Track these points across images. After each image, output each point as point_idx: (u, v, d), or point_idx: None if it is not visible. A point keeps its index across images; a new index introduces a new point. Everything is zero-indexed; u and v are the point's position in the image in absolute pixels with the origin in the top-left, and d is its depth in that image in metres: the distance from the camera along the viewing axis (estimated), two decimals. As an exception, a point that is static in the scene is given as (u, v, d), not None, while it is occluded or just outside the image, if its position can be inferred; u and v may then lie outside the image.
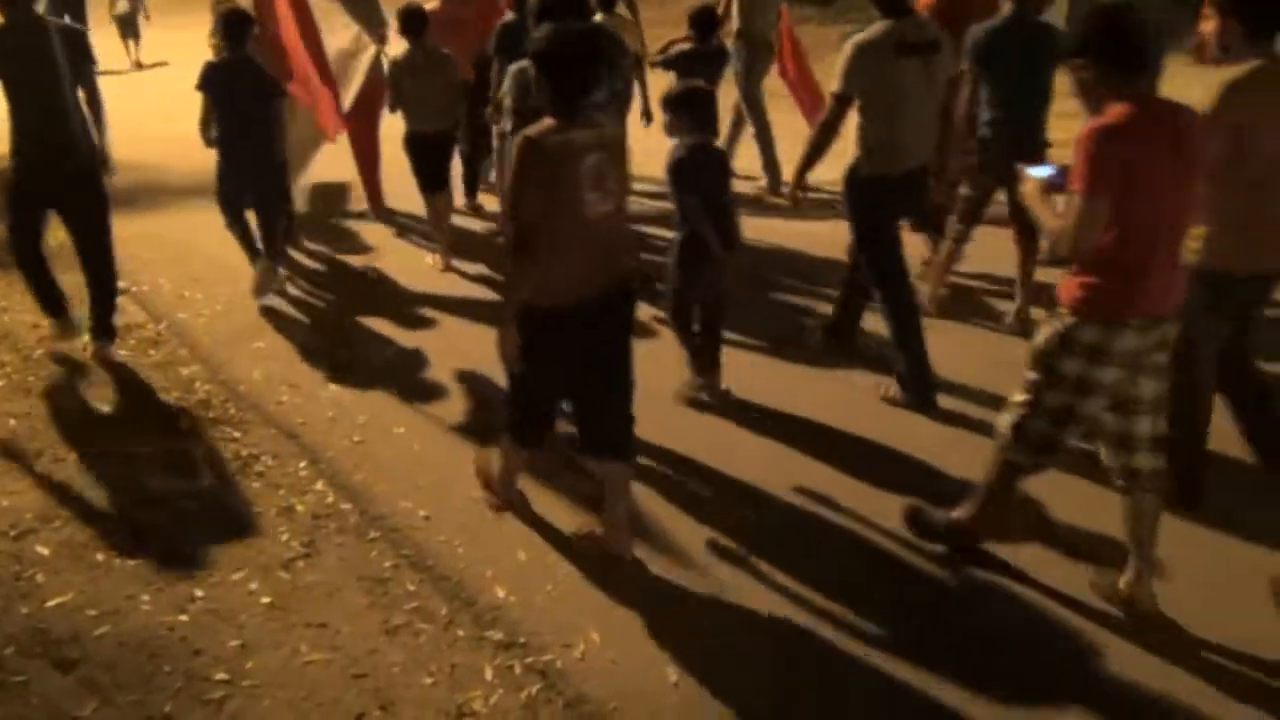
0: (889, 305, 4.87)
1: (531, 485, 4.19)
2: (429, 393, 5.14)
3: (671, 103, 4.62)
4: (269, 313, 6.09)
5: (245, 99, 5.86)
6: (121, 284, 6.47)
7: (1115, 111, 3.07)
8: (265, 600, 3.59)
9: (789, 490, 4.20)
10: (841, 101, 4.63)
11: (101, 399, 5.04)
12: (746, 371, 5.18)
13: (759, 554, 3.80)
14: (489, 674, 3.24)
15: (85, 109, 5.19)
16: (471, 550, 3.87)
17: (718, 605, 3.56)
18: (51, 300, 5.50)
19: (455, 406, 5.00)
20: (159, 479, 4.33)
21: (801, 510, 4.08)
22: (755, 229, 6.58)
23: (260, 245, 6.19)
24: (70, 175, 5.20)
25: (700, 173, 4.58)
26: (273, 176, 6.23)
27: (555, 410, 3.90)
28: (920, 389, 4.86)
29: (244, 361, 5.48)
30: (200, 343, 5.72)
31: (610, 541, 3.81)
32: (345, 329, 5.89)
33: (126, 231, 7.55)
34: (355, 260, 7.00)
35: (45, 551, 3.83)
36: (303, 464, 4.48)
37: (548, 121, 3.33)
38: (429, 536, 3.96)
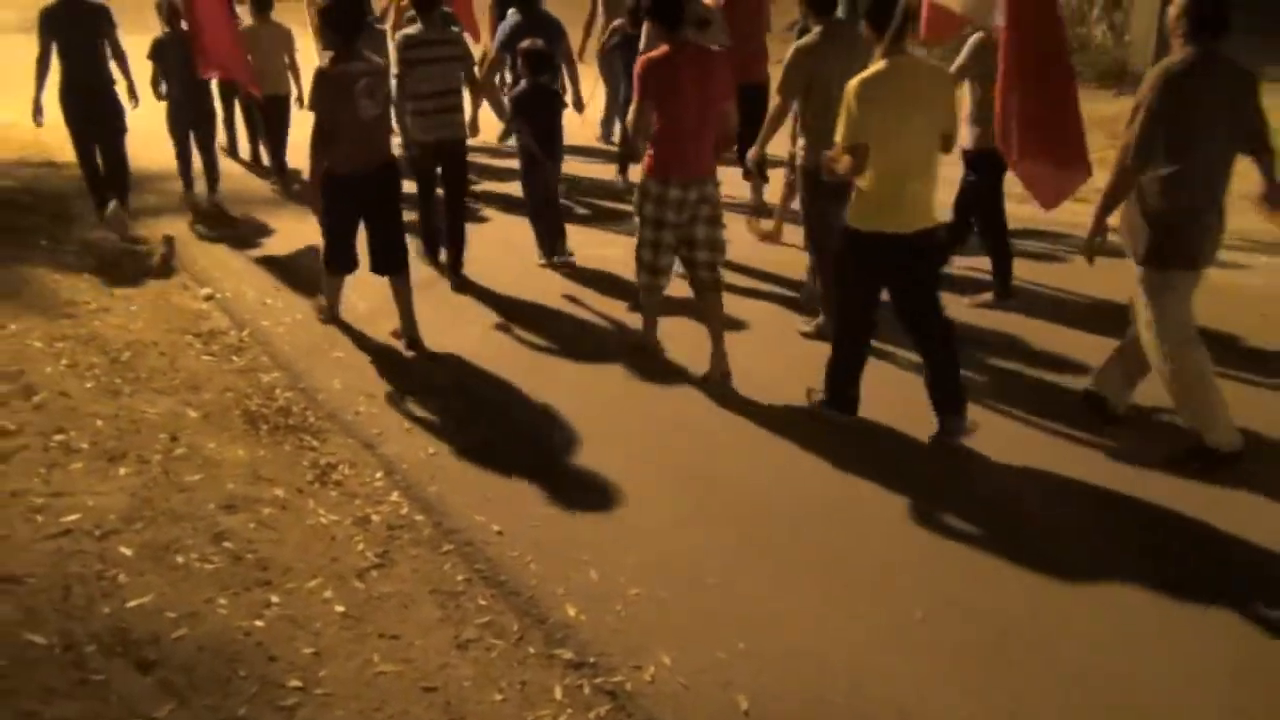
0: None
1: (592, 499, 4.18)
2: (502, 406, 5.16)
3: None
4: (348, 323, 6.17)
5: (183, 66, 8.00)
6: (206, 290, 6.65)
7: (660, 50, 5.09)
8: (340, 609, 3.62)
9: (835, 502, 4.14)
10: None
11: (186, 403, 5.13)
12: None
13: (827, 582, 3.75)
14: (558, 693, 3.23)
15: (114, 64, 7.63)
16: (543, 567, 3.86)
17: (790, 635, 3.51)
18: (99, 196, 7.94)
19: (528, 422, 5.01)
20: (239, 484, 4.40)
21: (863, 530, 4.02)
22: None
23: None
24: (100, 110, 7.57)
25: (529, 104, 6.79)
26: (208, 122, 8.55)
27: (353, 247, 5.86)
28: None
29: (323, 370, 5.56)
30: (281, 350, 5.81)
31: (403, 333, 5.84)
32: (422, 341, 5.95)
33: (213, 238, 7.76)
34: (430, 270, 7.06)
35: (128, 552, 3.90)
36: (379, 474, 4.53)
37: (332, 58, 5.50)
38: (501, 551, 3.96)
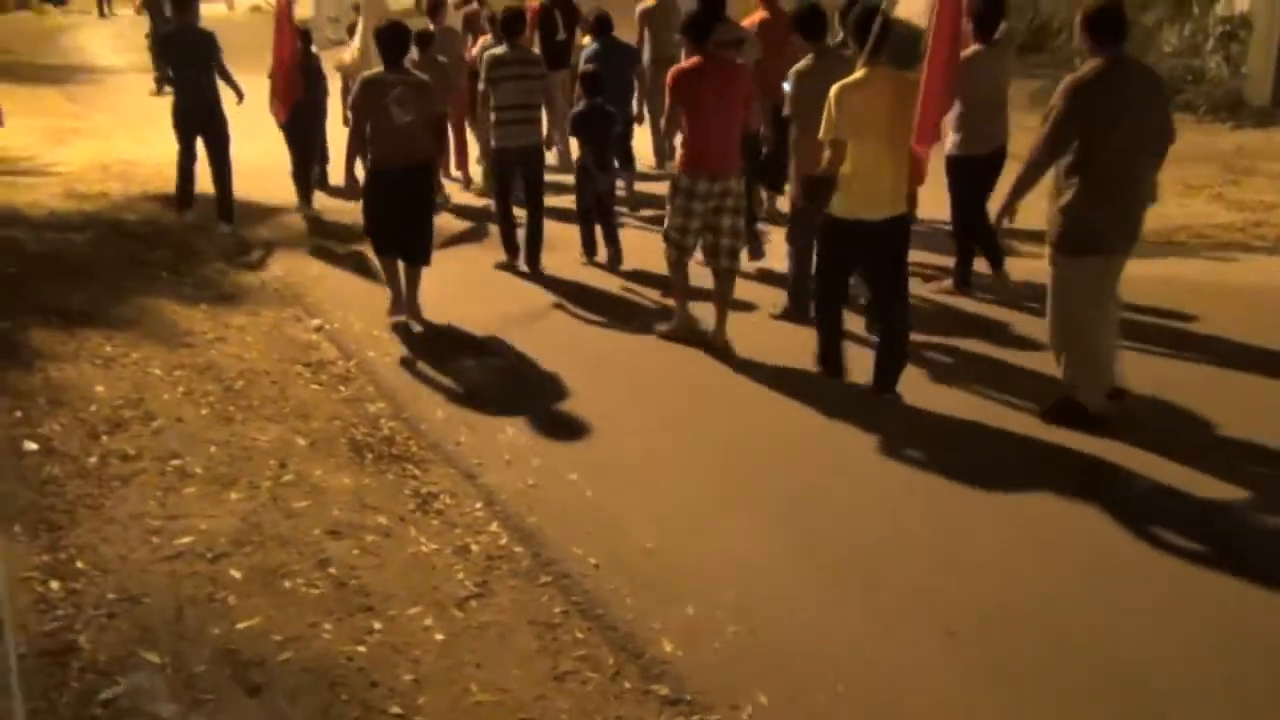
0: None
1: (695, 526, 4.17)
2: (601, 440, 5.19)
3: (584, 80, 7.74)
4: (451, 355, 6.29)
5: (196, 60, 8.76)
6: (317, 321, 6.84)
7: (691, 61, 5.94)
8: (439, 637, 3.67)
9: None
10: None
11: (295, 431, 5.28)
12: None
13: (922, 624, 3.67)
14: (655, 729, 3.21)
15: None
16: (640, 601, 3.86)
17: (890, 679, 3.44)
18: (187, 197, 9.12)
19: (627, 455, 5.03)
20: (344, 510, 4.50)
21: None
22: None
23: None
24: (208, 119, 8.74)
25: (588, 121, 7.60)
26: (218, 119, 8.88)
27: (394, 233, 6.60)
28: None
29: (427, 401, 5.66)
30: (387, 381, 5.94)
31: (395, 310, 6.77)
32: (524, 372, 6.03)
33: (322, 270, 7.99)
34: (539, 303, 7.15)
35: (238, 575, 4.02)
36: (479, 504, 4.59)
37: (379, 70, 6.51)
38: (599, 584, 3.97)
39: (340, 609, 3.82)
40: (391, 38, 6.52)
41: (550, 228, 7.95)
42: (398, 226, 6.62)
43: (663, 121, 6.21)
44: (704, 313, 6.39)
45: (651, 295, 7.21)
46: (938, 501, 4.53)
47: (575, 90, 8.58)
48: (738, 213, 6.06)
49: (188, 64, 8.79)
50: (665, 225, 6.20)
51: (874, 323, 5.86)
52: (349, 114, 6.96)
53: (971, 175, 6.59)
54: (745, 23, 8.07)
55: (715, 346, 6.16)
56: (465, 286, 7.55)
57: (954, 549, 4.16)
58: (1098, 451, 4.87)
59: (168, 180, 9.38)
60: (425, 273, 6.80)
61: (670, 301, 6.65)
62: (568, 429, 5.30)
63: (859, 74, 5.15)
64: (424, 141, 6.59)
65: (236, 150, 9.06)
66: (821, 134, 5.17)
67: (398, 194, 6.55)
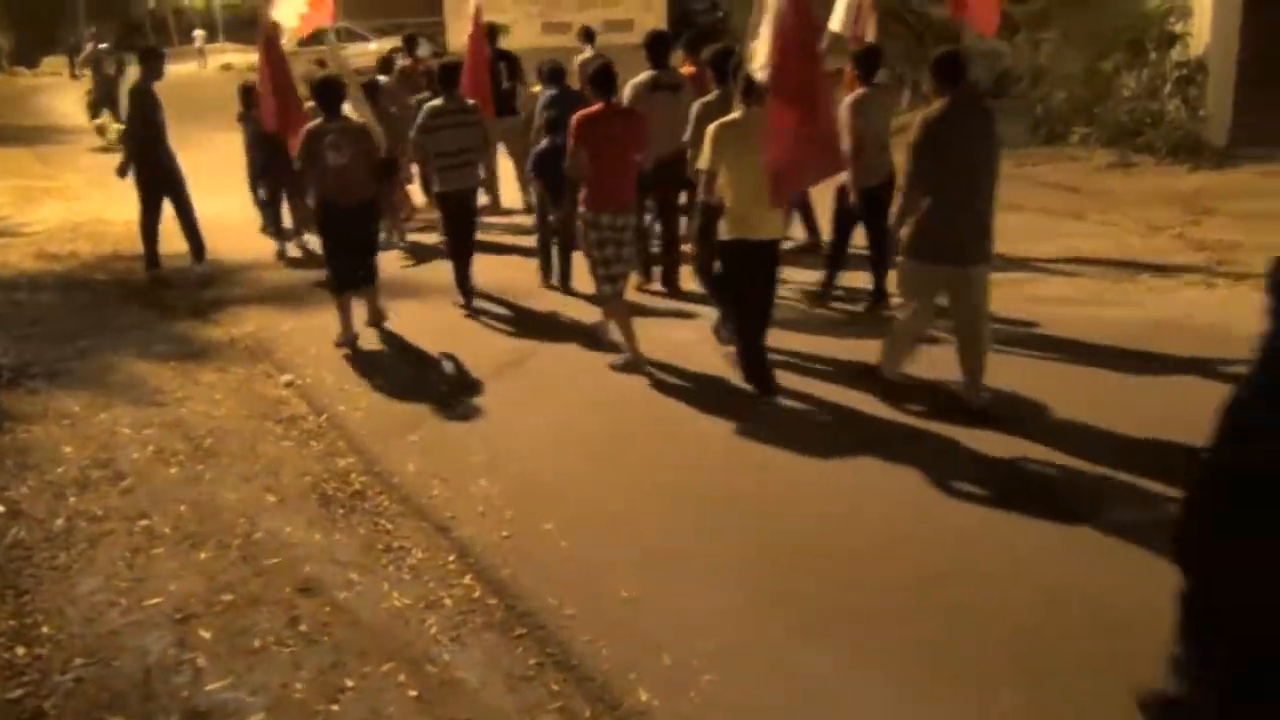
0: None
1: (666, 576, 4.15)
2: (576, 489, 5.17)
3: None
4: (424, 407, 6.26)
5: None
6: (287, 377, 6.81)
7: (593, 110, 6.47)
8: (412, 693, 3.62)
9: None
10: None
11: (266, 488, 5.23)
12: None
13: (899, 674, 3.66)
14: (632, 781, 3.17)
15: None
16: (615, 651, 3.83)
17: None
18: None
19: (602, 503, 5.00)
20: (315, 567, 4.46)
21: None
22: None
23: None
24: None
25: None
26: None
27: (345, 266, 7.32)
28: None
29: (398, 454, 5.63)
30: (358, 435, 5.91)
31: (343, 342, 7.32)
32: (500, 422, 6.01)
33: (291, 325, 7.96)
34: (512, 351, 7.15)
35: (207, 635, 3.96)
36: (452, 557, 4.55)
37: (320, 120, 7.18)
38: (574, 635, 3.94)
39: (312, 667, 3.77)
40: (325, 90, 7.27)
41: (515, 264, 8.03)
42: (347, 258, 7.39)
43: (566, 162, 6.70)
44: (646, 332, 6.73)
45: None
46: (927, 545, 4.53)
47: (529, 135, 8.94)
48: (632, 244, 6.79)
49: (153, 123, 8.93)
50: (591, 268, 6.68)
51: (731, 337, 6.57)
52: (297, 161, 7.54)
53: (864, 204, 7.20)
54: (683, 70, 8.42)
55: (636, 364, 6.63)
56: (434, 335, 7.54)
57: (947, 595, 4.16)
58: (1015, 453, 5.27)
59: (138, 239, 9.36)
60: (397, 323, 6.88)
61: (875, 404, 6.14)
62: (542, 478, 5.28)
63: (736, 114, 5.84)
64: (363, 181, 7.27)
65: (205, 208, 9.20)
66: (700, 164, 5.97)
67: (341, 228, 7.32)
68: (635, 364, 6.59)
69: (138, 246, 9.44)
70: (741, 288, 6.09)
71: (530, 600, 4.18)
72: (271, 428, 6.01)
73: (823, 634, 3.92)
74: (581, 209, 6.56)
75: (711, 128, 5.79)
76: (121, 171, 9.25)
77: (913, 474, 5.08)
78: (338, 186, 7.19)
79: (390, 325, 7.69)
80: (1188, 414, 4.85)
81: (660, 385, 6.37)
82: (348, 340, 7.37)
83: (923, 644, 3.82)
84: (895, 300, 6.71)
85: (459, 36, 12.18)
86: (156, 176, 9.05)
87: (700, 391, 6.27)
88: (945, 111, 5.49)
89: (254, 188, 10.23)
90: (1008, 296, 7.62)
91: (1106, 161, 11.75)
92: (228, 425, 6.03)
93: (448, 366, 6.96)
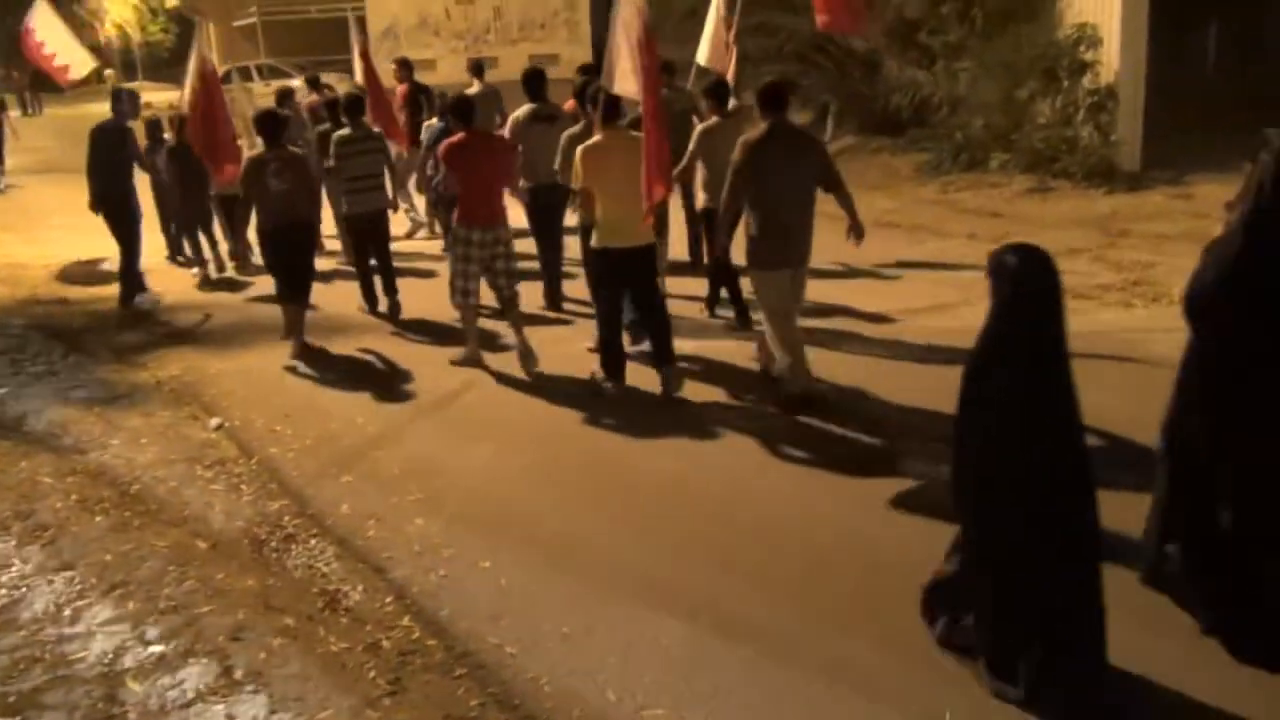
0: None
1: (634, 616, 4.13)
2: (513, 524, 5.12)
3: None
4: (357, 448, 6.18)
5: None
6: (216, 420, 6.68)
7: (458, 138, 7.14)
8: (352, 740, 3.55)
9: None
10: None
11: (196, 534, 5.12)
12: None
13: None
14: (578, 820, 3.14)
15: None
16: (558, 689, 3.80)
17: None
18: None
19: (539, 540, 4.96)
20: (249, 613, 4.36)
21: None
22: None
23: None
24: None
25: None
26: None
27: (286, 281, 7.96)
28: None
29: (332, 496, 5.54)
30: (290, 477, 5.81)
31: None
32: (430, 459, 5.95)
33: (219, 367, 7.82)
34: (447, 385, 7.09)
35: (137, 688, 3.85)
36: (389, 599, 4.48)
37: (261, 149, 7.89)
38: (515, 674, 3.90)
39: (247, 717, 3.67)
40: (267, 123, 8.09)
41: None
42: (289, 274, 8.01)
43: (439, 183, 7.71)
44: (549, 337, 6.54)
45: (570, 371, 7.22)
46: (854, 570, 4.56)
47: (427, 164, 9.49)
48: (510, 256, 7.32)
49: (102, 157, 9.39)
50: (450, 274, 7.41)
51: (639, 335, 7.18)
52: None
53: (706, 222, 7.77)
54: (565, 106, 8.83)
55: (526, 365, 7.19)
56: (368, 372, 7.47)
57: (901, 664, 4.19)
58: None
59: (57, 283, 9.17)
60: (326, 363, 6.96)
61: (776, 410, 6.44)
62: (478, 516, 5.22)
63: (597, 137, 6.58)
64: (301, 205, 7.95)
65: (114, 249, 9.40)
66: (573, 185, 6.71)
67: (283, 249, 7.94)
68: (472, 359, 7.42)
69: (57, 290, 9.25)
70: (609, 291, 6.68)
71: (470, 640, 4.13)
72: (200, 472, 5.89)
73: (772, 659, 3.92)
74: (455, 226, 7.34)
75: (577, 152, 6.53)
76: (93, 207, 9.51)
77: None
78: (279, 210, 7.79)
79: (323, 363, 7.63)
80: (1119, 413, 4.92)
81: (593, 417, 6.37)
82: (299, 348, 7.95)
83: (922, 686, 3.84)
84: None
85: (384, 71, 12.74)
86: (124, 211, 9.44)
87: (631, 418, 6.29)
88: (764, 136, 6.16)
89: (164, 219, 10.89)
90: (938, 319, 7.77)
91: (1026, 187, 12.04)
92: (154, 471, 5.90)
93: (381, 404, 6.88)
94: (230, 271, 10.64)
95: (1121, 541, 4.12)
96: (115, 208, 9.41)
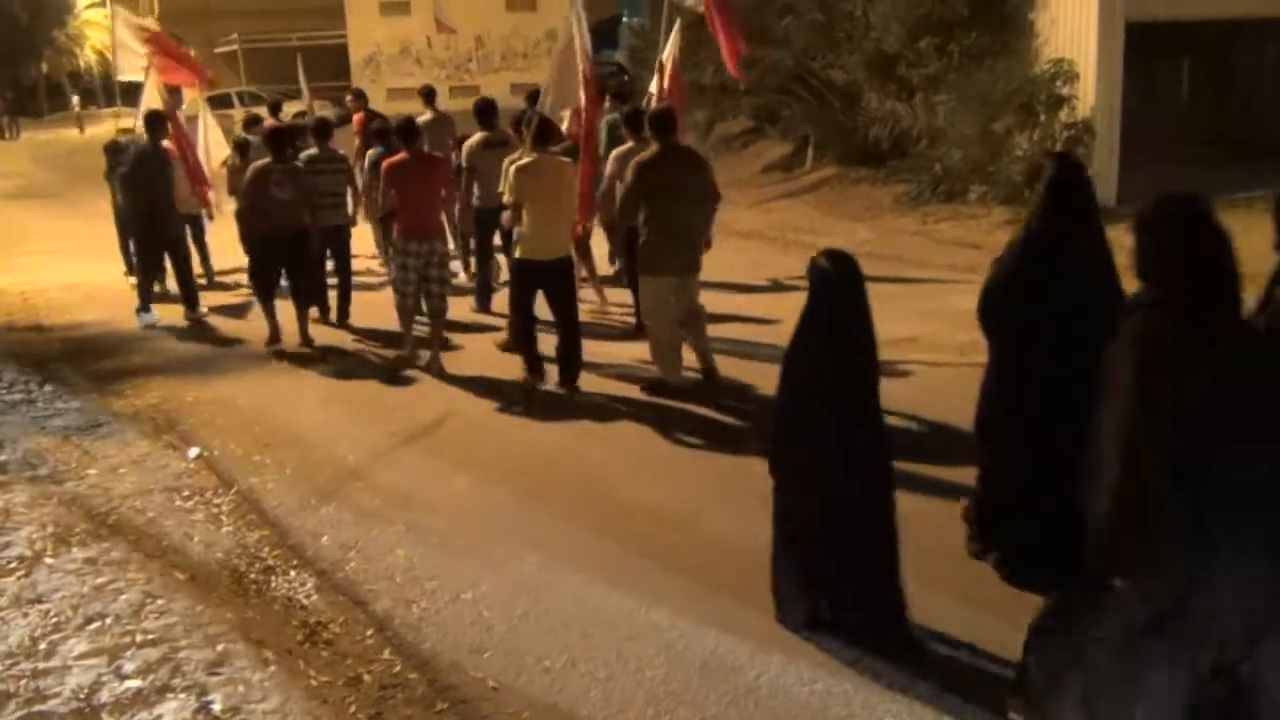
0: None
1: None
2: (496, 555, 5.09)
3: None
4: (337, 478, 6.14)
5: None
6: (195, 449, 6.63)
7: (398, 157, 7.91)
8: (332, 777, 3.51)
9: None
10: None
11: (173, 565, 5.07)
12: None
13: None
14: None
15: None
16: (541, 724, 3.76)
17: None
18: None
19: (522, 572, 4.93)
20: (227, 646, 4.30)
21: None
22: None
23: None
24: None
25: None
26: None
27: (272, 283, 8.83)
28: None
29: (313, 527, 5.49)
30: (270, 508, 5.75)
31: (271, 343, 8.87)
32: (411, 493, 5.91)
33: (198, 395, 7.77)
34: (427, 415, 7.07)
35: (112, 724, 3.79)
36: (370, 632, 4.44)
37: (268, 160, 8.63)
38: (498, 708, 3.87)
39: (225, 753, 3.63)
40: (275, 137, 8.93)
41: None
42: (278, 276, 8.86)
43: (378, 197, 8.57)
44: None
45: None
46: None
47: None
48: (443, 266, 8.09)
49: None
50: (390, 280, 8.31)
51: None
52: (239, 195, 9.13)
53: (627, 240, 8.21)
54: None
55: (431, 369, 7.91)
56: (349, 400, 7.44)
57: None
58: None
59: (33, 309, 9.12)
60: (305, 391, 6.90)
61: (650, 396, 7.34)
62: (460, 547, 5.19)
63: (529, 157, 7.30)
64: (298, 213, 8.65)
65: (93, 275, 9.57)
66: (504, 198, 7.37)
67: (283, 251, 8.67)
68: (409, 360, 8.19)
69: (32, 316, 9.18)
70: (525, 298, 7.40)
71: (452, 674, 4.09)
72: (179, 503, 5.83)
73: (751, 704, 3.90)
74: (394, 238, 8.10)
75: (511, 170, 7.24)
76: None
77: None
78: (280, 216, 8.54)
79: (303, 393, 7.61)
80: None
81: (578, 448, 6.36)
82: (275, 341, 8.81)
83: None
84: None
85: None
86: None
87: (615, 442, 6.33)
88: (655, 157, 7.01)
89: (123, 238, 11.02)
90: (922, 352, 7.81)
91: (1004, 219, 12.15)
92: (132, 501, 5.83)
93: (362, 433, 6.84)
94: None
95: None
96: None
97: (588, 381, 7.45)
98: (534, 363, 7.45)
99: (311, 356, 8.54)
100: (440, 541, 5.26)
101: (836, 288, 4.02)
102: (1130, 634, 2.92)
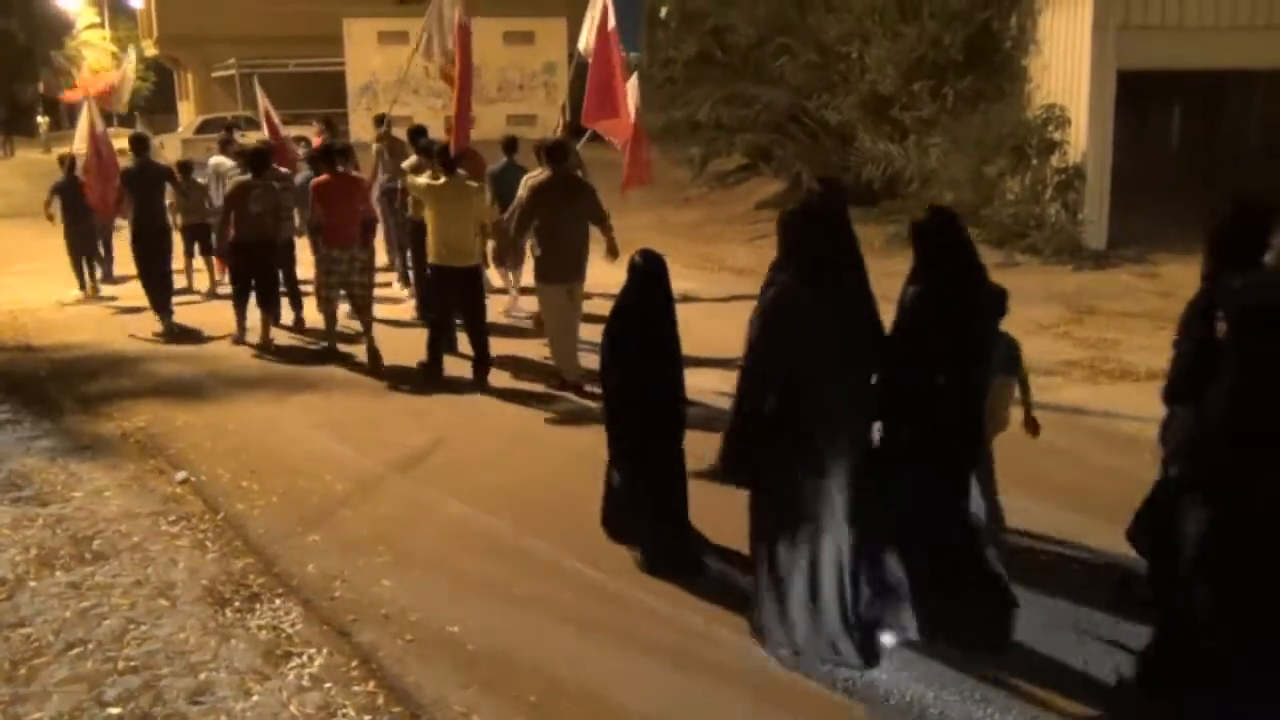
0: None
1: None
2: (480, 590, 5.07)
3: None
4: (324, 505, 6.11)
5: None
6: (182, 474, 6.60)
7: (323, 177, 9.14)
8: (313, 810, 3.47)
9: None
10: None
11: (159, 591, 5.03)
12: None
13: None
14: None
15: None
16: (525, 759, 3.74)
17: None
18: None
19: (509, 606, 4.91)
20: (211, 674, 4.27)
21: None
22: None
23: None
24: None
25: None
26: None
27: (249, 289, 9.87)
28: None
29: (298, 555, 5.46)
30: (256, 535, 5.72)
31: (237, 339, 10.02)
32: (402, 519, 5.89)
33: (186, 419, 7.74)
34: (416, 443, 7.05)
35: (92, 752, 3.75)
36: (354, 663, 4.41)
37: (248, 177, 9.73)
38: (481, 743, 3.84)
39: (205, 784, 3.59)
40: (256, 156, 9.90)
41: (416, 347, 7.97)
42: (254, 282, 9.80)
43: (308, 213, 9.43)
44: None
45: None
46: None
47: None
48: (365, 270, 9.27)
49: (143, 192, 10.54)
50: (316, 289, 9.38)
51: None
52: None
53: None
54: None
55: (370, 360, 8.93)
56: (336, 427, 7.42)
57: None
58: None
59: (22, 329, 9.09)
60: (293, 416, 6.88)
61: (557, 392, 8.25)
62: (447, 580, 5.17)
63: (439, 180, 8.37)
64: (272, 225, 9.73)
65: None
66: (412, 212, 9.54)
67: (254, 261, 9.68)
68: (333, 351, 9.38)
69: (21, 336, 9.16)
70: (439, 301, 8.63)
71: (436, 708, 4.07)
72: (165, 527, 5.79)
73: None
74: (321, 247, 9.08)
75: (425, 189, 8.51)
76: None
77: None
78: (255, 228, 9.55)
79: (291, 418, 7.59)
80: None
81: (571, 483, 6.33)
82: (240, 338, 9.89)
83: None
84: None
85: (362, 125, 13.70)
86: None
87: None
88: (547, 181, 8.24)
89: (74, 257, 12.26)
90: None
91: (994, 262, 12.16)
92: (117, 525, 5.79)
93: (349, 460, 6.82)
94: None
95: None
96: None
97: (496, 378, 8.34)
98: (435, 359, 8.51)
99: (304, 383, 8.53)
100: (426, 573, 5.23)
101: (647, 282, 5.24)
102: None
